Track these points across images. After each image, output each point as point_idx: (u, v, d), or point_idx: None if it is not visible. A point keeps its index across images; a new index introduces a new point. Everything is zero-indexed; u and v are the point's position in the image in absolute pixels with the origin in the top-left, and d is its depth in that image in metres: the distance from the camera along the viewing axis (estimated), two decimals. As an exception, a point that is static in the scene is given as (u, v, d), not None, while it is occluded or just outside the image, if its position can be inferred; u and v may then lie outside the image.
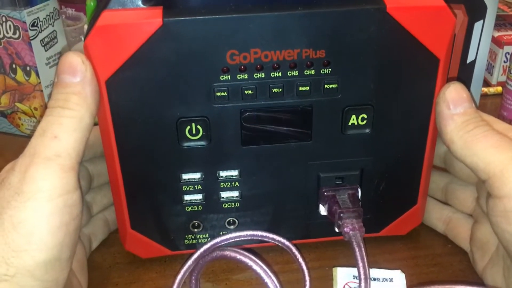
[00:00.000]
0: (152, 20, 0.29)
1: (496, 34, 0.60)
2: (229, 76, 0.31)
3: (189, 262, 0.34)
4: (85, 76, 0.29)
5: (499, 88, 0.59)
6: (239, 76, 0.31)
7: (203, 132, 0.32)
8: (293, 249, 0.34)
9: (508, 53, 0.58)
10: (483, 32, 0.42)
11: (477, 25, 0.42)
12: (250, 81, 0.31)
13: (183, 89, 0.31)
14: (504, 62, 0.59)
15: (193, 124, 0.32)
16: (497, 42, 0.59)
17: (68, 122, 0.29)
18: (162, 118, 0.32)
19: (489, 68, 0.61)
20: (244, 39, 0.30)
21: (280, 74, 0.31)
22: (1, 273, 0.27)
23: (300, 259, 0.34)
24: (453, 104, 0.32)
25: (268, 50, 0.30)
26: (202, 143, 0.33)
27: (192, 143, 0.33)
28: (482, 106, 0.53)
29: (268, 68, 0.31)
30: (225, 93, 0.31)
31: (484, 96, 0.58)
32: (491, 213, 0.31)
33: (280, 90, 0.31)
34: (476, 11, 0.41)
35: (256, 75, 0.31)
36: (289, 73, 0.31)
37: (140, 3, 0.29)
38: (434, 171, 0.39)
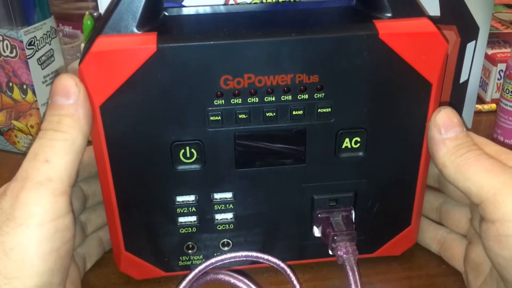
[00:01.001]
0: (147, 46, 0.29)
1: (490, 51, 0.60)
2: (223, 101, 0.31)
3: (184, 283, 0.34)
4: (78, 98, 0.29)
5: (493, 105, 0.60)
6: (233, 101, 0.31)
7: (197, 155, 0.32)
8: (288, 270, 0.34)
9: (502, 70, 0.58)
10: (476, 52, 0.43)
11: (470, 46, 0.42)
12: (244, 106, 0.31)
13: (177, 114, 0.31)
14: (498, 79, 0.59)
15: (187, 148, 0.32)
16: (491, 59, 0.60)
17: (60, 145, 0.29)
18: (157, 141, 0.32)
19: (483, 85, 0.61)
20: (238, 65, 0.30)
21: (273, 99, 0.31)
22: None
23: (295, 281, 0.34)
24: (444, 129, 0.32)
25: (262, 75, 0.30)
26: (196, 166, 0.33)
27: (186, 166, 0.33)
28: (476, 123, 0.53)
29: (262, 92, 0.31)
30: (219, 117, 0.31)
31: (478, 113, 0.59)
32: (484, 237, 0.31)
33: (274, 114, 0.32)
34: (469, 32, 0.42)
35: (250, 100, 0.31)
36: (283, 98, 0.31)
37: (134, 28, 0.30)
38: (429, 191, 0.39)
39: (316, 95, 0.31)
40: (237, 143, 0.32)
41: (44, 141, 0.29)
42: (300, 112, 0.32)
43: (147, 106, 0.30)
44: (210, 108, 0.31)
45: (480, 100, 0.61)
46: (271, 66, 0.30)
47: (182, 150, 0.32)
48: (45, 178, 0.28)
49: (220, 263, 0.34)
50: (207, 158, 0.33)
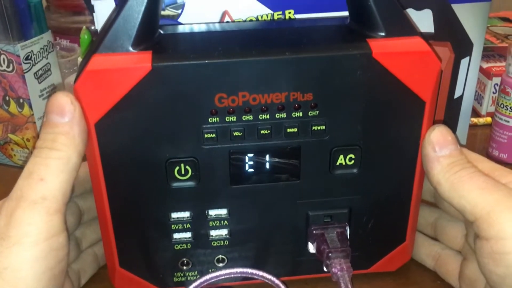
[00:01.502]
0: (141, 65, 0.29)
1: (485, 65, 0.60)
2: (217, 119, 0.31)
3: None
4: (74, 116, 0.29)
5: (489, 119, 0.60)
6: (227, 119, 0.31)
7: (192, 172, 0.33)
8: (283, 287, 0.34)
9: (497, 84, 0.58)
10: (470, 68, 0.43)
11: (464, 62, 0.42)
12: (238, 123, 0.31)
13: (172, 131, 0.31)
14: (493, 93, 0.59)
15: (182, 165, 0.32)
16: (486, 73, 0.60)
17: (55, 164, 0.29)
18: (151, 159, 0.32)
19: (479, 99, 0.62)
20: (232, 83, 0.30)
21: (268, 116, 0.31)
22: None
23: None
24: (438, 147, 0.32)
25: (256, 93, 0.30)
26: (191, 183, 0.33)
27: (181, 183, 0.33)
28: (471, 136, 0.53)
29: (256, 110, 0.31)
30: (214, 135, 0.31)
31: (473, 126, 0.59)
32: (478, 254, 0.31)
33: (268, 131, 0.32)
34: (463, 48, 0.42)
35: (244, 117, 0.31)
36: (277, 115, 0.31)
37: (130, 47, 0.30)
38: (424, 207, 0.39)
39: (310, 113, 0.31)
40: (231, 160, 0.32)
41: (39, 160, 0.29)
42: (295, 129, 0.32)
43: (142, 124, 0.31)
44: (205, 126, 0.31)
45: (476, 113, 0.62)
46: (266, 84, 0.30)
47: (177, 167, 0.32)
48: (40, 197, 0.28)
49: (215, 279, 0.34)
50: (202, 175, 0.33)
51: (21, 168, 0.30)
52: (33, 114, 0.50)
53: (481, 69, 0.60)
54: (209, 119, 0.31)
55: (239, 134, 0.32)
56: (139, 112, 0.30)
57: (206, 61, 0.29)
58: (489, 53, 0.64)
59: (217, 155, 0.32)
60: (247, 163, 0.33)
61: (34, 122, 0.50)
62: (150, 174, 0.32)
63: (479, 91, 0.61)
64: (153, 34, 0.32)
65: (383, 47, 0.30)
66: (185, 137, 0.31)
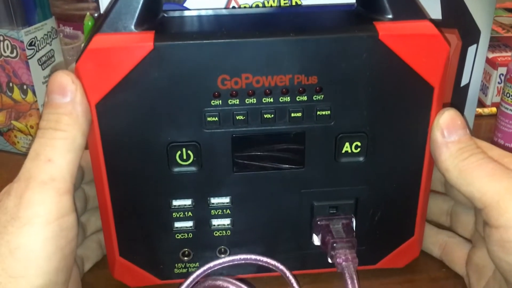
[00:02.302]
0: (143, 44, 0.29)
1: (491, 55, 0.60)
2: (220, 101, 0.30)
3: (183, 287, 0.33)
4: (76, 95, 0.29)
5: (494, 109, 0.60)
6: (230, 101, 0.30)
7: (193, 157, 0.32)
8: (287, 273, 0.33)
9: (503, 74, 0.58)
10: (477, 56, 0.42)
11: (471, 49, 0.42)
12: (241, 107, 0.31)
13: (173, 114, 0.30)
14: (499, 83, 0.59)
15: (184, 149, 0.32)
16: (491, 63, 0.59)
17: (61, 144, 0.29)
18: (153, 142, 0.31)
19: (484, 89, 0.61)
20: (235, 64, 0.29)
21: (272, 100, 0.31)
22: None
23: (295, 284, 0.32)
24: (447, 132, 0.31)
25: (260, 75, 0.30)
26: (193, 168, 0.32)
27: (182, 169, 0.32)
28: (476, 127, 0.53)
29: (259, 93, 0.30)
30: (216, 118, 0.31)
31: (478, 116, 0.58)
32: (488, 241, 0.30)
33: (272, 116, 0.31)
34: (470, 36, 0.41)
35: (247, 101, 0.30)
36: (281, 99, 0.31)
37: (132, 27, 0.29)
38: (437, 195, 0.38)
39: (315, 97, 0.31)
40: (234, 145, 0.32)
41: (45, 141, 0.29)
42: (299, 114, 0.31)
43: (144, 106, 0.30)
44: (207, 109, 0.30)
45: (481, 103, 0.61)
46: (269, 66, 0.30)
47: (179, 152, 0.32)
48: (49, 178, 0.28)
49: (219, 267, 0.33)
50: (203, 160, 0.32)
51: (24, 155, 0.29)
52: (36, 101, 0.50)
53: (487, 59, 0.60)
54: (212, 102, 0.30)
55: (242, 118, 0.31)
56: (141, 93, 0.30)
57: (209, 41, 0.29)
58: (494, 43, 0.64)
59: (219, 140, 0.31)
60: (250, 148, 0.32)
61: (38, 109, 0.50)
62: (152, 158, 0.32)
63: (484, 81, 0.61)
64: (156, 16, 0.31)
65: (390, 30, 0.30)
66: (187, 120, 0.31)
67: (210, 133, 0.31)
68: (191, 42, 0.29)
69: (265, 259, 0.33)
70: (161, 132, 0.31)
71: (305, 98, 0.31)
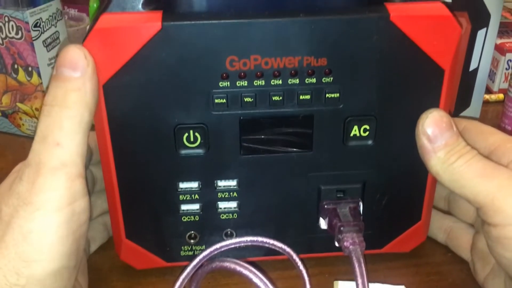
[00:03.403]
0: (151, 23, 0.28)
1: (499, 41, 0.59)
2: (228, 83, 0.30)
3: (188, 269, 0.32)
4: (87, 71, 0.28)
5: (501, 95, 0.59)
6: (238, 83, 0.30)
7: (201, 139, 0.32)
8: (294, 255, 0.33)
9: (511, 60, 0.58)
10: (486, 40, 0.42)
11: (481, 33, 0.41)
12: (249, 89, 0.30)
13: (181, 95, 0.30)
14: (506, 69, 0.59)
15: (191, 131, 0.31)
16: (499, 49, 0.59)
17: (69, 125, 0.28)
18: (160, 124, 0.31)
19: (491, 75, 0.61)
20: (244, 45, 0.29)
21: (280, 82, 0.30)
22: (12, 283, 0.27)
23: (301, 267, 0.32)
24: (433, 136, 0.30)
25: (269, 57, 0.29)
26: (200, 151, 0.32)
27: (189, 151, 0.32)
28: (483, 113, 0.53)
29: (268, 75, 0.30)
30: (224, 100, 0.30)
31: (485, 103, 0.58)
32: (487, 238, 0.31)
33: (280, 98, 0.31)
34: (480, 19, 0.41)
35: (256, 82, 0.30)
36: (290, 81, 0.30)
37: (140, 7, 0.29)
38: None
39: (324, 79, 0.30)
40: (242, 127, 0.31)
41: (51, 120, 0.28)
42: (308, 96, 0.31)
43: (151, 86, 0.30)
44: (215, 90, 0.30)
45: (488, 90, 0.61)
46: (278, 47, 0.29)
47: (186, 134, 0.31)
48: (60, 164, 0.27)
49: (226, 248, 0.33)
50: (211, 142, 0.32)
51: (29, 137, 0.29)
52: (42, 83, 0.49)
53: (495, 45, 0.59)
54: (220, 83, 0.30)
55: (250, 100, 0.31)
56: (148, 74, 0.29)
57: (218, 21, 0.28)
58: (502, 29, 0.63)
59: (227, 122, 0.31)
60: (257, 131, 0.32)
61: (43, 91, 0.49)
62: (159, 140, 0.31)
63: (492, 67, 0.60)
64: (164, -5, 0.31)
65: (401, 10, 0.29)
66: (195, 101, 0.30)
67: (218, 115, 0.31)
68: (200, 22, 0.28)
69: (271, 241, 0.32)
70: (169, 114, 0.31)
71: (314, 80, 0.30)
